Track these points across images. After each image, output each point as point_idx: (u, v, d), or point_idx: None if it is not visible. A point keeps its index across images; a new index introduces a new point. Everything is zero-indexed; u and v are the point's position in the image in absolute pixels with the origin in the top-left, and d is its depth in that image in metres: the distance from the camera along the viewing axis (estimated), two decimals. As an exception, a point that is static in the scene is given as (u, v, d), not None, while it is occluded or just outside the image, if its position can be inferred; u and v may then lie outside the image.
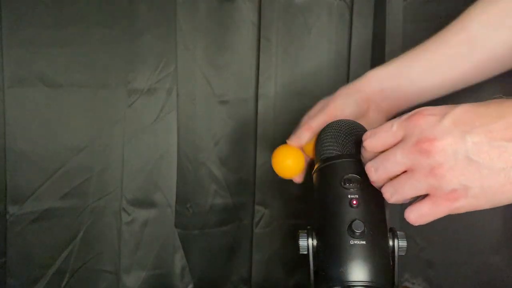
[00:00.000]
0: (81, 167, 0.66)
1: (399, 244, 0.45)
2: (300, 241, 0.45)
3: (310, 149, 0.53)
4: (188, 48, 0.68)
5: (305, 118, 0.55)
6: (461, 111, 0.36)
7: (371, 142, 0.41)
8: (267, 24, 0.70)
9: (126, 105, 0.66)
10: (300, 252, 0.46)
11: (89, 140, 0.66)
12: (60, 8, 0.62)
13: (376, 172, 0.41)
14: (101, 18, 0.64)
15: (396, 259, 0.44)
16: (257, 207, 0.74)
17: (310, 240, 0.45)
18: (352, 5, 0.72)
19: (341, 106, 0.52)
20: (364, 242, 0.42)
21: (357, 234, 0.42)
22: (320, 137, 0.51)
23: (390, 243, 0.45)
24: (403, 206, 0.79)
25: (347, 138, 0.48)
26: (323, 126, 0.51)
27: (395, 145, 0.39)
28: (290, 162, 0.55)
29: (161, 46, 0.66)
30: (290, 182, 0.76)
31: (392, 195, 0.41)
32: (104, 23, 0.64)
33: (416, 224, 0.41)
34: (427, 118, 0.37)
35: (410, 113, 0.39)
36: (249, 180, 0.74)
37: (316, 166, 0.50)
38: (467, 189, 0.36)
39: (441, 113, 0.37)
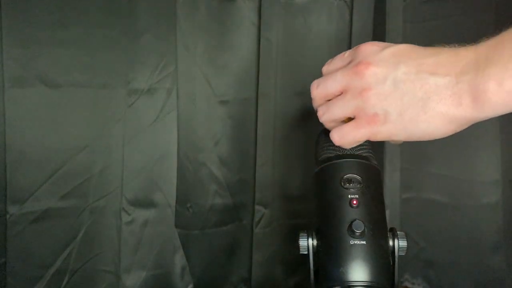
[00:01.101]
0: (81, 167, 0.66)
1: (399, 244, 0.45)
2: (300, 241, 0.45)
3: None
4: (188, 48, 0.68)
5: None
6: (403, 47, 0.39)
7: (327, 67, 0.45)
8: (267, 24, 0.70)
9: (126, 105, 0.66)
10: (300, 252, 0.46)
11: (89, 140, 0.66)
12: (60, 8, 0.62)
13: (316, 88, 0.44)
14: (101, 18, 0.64)
15: (396, 259, 0.44)
16: (257, 207, 0.74)
17: (310, 240, 0.45)
18: (352, 5, 0.72)
19: None
20: (364, 242, 0.42)
21: (357, 234, 0.42)
22: (320, 138, 0.51)
23: (390, 243, 0.45)
24: (403, 206, 0.79)
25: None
26: None
27: None
28: None
29: (161, 46, 0.67)
30: (290, 182, 0.77)
31: (324, 113, 0.44)
32: (104, 23, 0.64)
33: (338, 144, 0.43)
34: (372, 47, 0.40)
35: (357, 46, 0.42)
36: (249, 180, 0.74)
37: (316, 167, 0.50)
38: (387, 114, 0.38)
39: (386, 46, 0.40)
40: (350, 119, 0.42)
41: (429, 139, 0.39)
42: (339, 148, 0.48)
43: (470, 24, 0.70)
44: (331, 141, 0.50)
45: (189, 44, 0.68)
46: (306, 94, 0.74)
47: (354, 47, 0.42)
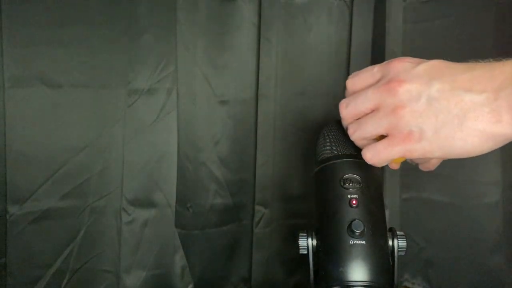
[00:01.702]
0: (81, 167, 0.66)
1: (398, 244, 0.45)
2: (300, 241, 0.45)
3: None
4: (188, 48, 0.68)
5: None
6: (436, 63, 0.39)
7: (352, 81, 0.43)
8: (267, 24, 0.70)
9: (126, 105, 0.67)
10: (300, 252, 0.46)
11: (89, 140, 0.66)
12: (60, 8, 0.62)
13: (346, 108, 0.43)
14: (101, 18, 0.64)
15: (395, 259, 0.45)
16: (257, 207, 0.74)
17: (310, 240, 0.45)
18: (352, 5, 0.72)
19: None
20: (363, 242, 0.42)
21: (357, 234, 0.42)
22: (320, 138, 0.52)
23: (390, 243, 0.45)
24: (403, 206, 0.79)
25: (346, 138, 0.48)
26: None
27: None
28: None
29: (161, 46, 0.66)
30: (290, 182, 0.77)
31: (355, 130, 0.43)
32: (104, 23, 0.64)
33: (371, 162, 0.42)
34: (404, 63, 0.40)
35: (388, 61, 0.41)
36: (249, 180, 0.74)
37: (315, 167, 0.50)
38: (422, 132, 0.38)
39: (418, 62, 0.39)
40: (382, 136, 0.41)
41: (467, 157, 0.38)
42: (338, 148, 0.48)
43: (470, 24, 0.70)
44: (330, 141, 0.50)
45: (189, 44, 0.68)
46: (306, 94, 0.75)
47: (385, 62, 0.41)
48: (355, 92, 0.43)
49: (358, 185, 0.44)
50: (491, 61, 0.37)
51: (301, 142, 0.75)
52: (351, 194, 0.44)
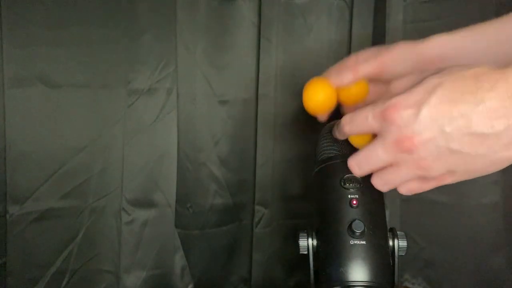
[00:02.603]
0: (81, 167, 0.66)
1: (399, 244, 0.45)
2: (300, 241, 0.45)
3: (347, 97, 0.51)
4: (188, 48, 0.68)
5: (352, 59, 0.51)
6: (437, 100, 0.36)
7: (349, 129, 0.43)
8: (267, 24, 0.70)
9: (126, 105, 0.66)
10: (300, 252, 0.46)
11: (89, 140, 0.66)
12: (60, 8, 0.62)
13: (360, 169, 0.43)
14: (101, 18, 0.64)
15: (396, 259, 0.45)
16: (257, 207, 0.74)
17: (310, 240, 0.45)
18: (352, 5, 0.72)
19: (397, 59, 0.49)
20: (364, 242, 0.43)
21: (357, 234, 0.42)
22: (320, 138, 0.52)
23: (390, 243, 0.45)
24: (403, 206, 0.79)
25: (346, 138, 0.48)
26: (369, 74, 0.49)
27: (373, 134, 0.41)
28: (321, 98, 0.53)
29: (161, 46, 0.66)
30: (290, 182, 0.77)
31: (383, 186, 0.43)
32: (104, 23, 0.64)
33: (406, 194, 0.43)
34: (402, 113, 0.37)
35: (383, 106, 0.38)
36: (249, 180, 0.74)
37: (316, 167, 0.50)
38: (454, 172, 0.38)
39: (416, 105, 0.36)
40: None
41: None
42: (339, 148, 0.48)
43: (470, 24, 0.70)
44: (331, 141, 0.50)
45: (189, 44, 0.68)
46: (306, 94, 0.74)
47: (377, 111, 0.39)
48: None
49: (358, 185, 0.44)
50: (486, 68, 0.36)
51: (301, 142, 0.75)
52: (351, 194, 0.44)
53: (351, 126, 0.42)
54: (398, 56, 0.49)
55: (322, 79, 0.53)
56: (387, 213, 0.73)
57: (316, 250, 0.45)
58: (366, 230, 0.42)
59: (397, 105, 0.37)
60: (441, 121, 0.35)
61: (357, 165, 0.42)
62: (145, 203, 0.69)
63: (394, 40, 0.70)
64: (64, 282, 0.67)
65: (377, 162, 0.41)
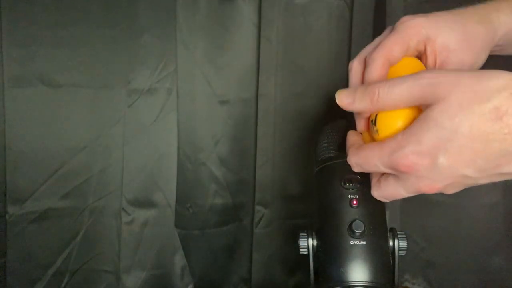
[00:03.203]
0: (81, 167, 0.66)
1: (399, 244, 0.45)
2: (300, 241, 0.45)
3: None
4: (188, 48, 0.68)
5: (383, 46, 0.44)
6: (454, 149, 0.32)
7: (359, 171, 0.39)
8: (267, 24, 0.70)
9: (126, 105, 0.66)
10: (300, 252, 0.46)
11: (89, 140, 0.66)
12: (60, 8, 0.62)
13: (361, 169, 0.39)
14: (101, 18, 0.64)
15: (396, 259, 0.44)
16: (257, 207, 0.74)
17: (310, 240, 0.45)
18: (352, 5, 0.72)
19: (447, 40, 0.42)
20: (364, 242, 0.42)
21: (357, 234, 0.42)
22: (320, 137, 0.52)
23: (390, 243, 0.45)
24: (404, 206, 0.79)
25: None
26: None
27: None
28: None
29: (161, 46, 0.66)
30: (290, 182, 0.77)
31: (384, 200, 0.41)
32: (104, 23, 0.64)
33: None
34: (417, 166, 0.33)
35: (392, 157, 0.34)
36: (249, 180, 0.74)
37: (316, 167, 0.50)
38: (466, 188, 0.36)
39: (430, 154, 0.32)
40: None
41: None
42: (339, 147, 0.48)
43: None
44: (331, 141, 0.50)
45: (189, 44, 0.68)
46: (306, 94, 0.74)
47: (387, 161, 0.35)
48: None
49: (358, 185, 0.44)
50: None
51: (301, 142, 0.75)
52: (351, 194, 0.44)
53: (362, 170, 0.39)
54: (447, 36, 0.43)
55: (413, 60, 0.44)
56: (387, 213, 0.73)
57: (316, 250, 0.45)
58: (366, 230, 0.42)
59: (409, 157, 0.33)
60: (461, 166, 0.33)
61: (359, 166, 0.39)
62: (145, 203, 0.69)
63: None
64: (64, 282, 0.67)
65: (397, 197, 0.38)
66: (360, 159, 0.38)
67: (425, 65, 0.43)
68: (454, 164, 0.33)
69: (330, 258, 0.43)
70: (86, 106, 0.65)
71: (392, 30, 0.45)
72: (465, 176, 0.33)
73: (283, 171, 0.75)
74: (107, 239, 0.69)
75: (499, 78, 0.32)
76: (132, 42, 0.65)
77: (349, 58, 0.73)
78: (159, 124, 0.68)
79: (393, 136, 0.35)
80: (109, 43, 0.64)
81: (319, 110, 0.75)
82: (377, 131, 0.38)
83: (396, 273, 0.44)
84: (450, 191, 0.36)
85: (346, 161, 0.45)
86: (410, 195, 0.37)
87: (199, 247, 0.74)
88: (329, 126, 0.53)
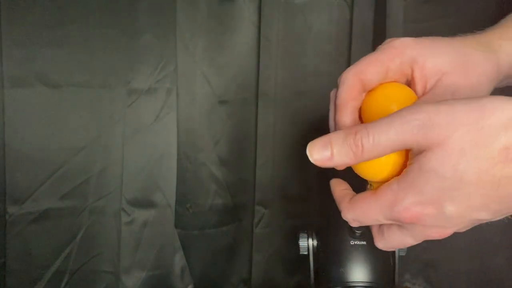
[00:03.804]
0: (81, 167, 0.66)
1: (399, 244, 0.44)
2: (300, 242, 0.45)
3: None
4: (188, 48, 0.68)
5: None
6: (463, 197, 0.29)
7: (357, 225, 0.34)
8: (267, 23, 0.70)
9: (126, 105, 0.66)
10: (301, 253, 0.46)
11: (88, 140, 0.66)
12: (60, 8, 0.62)
13: (360, 224, 0.34)
14: (101, 18, 0.64)
15: (396, 259, 0.44)
16: (257, 208, 0.74)
17: (310, 241, 0.45)
18: (352, 5, 0.72)
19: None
20: (364, 243, 0.42)
21: (358, 234, 0.42)
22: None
23: (391, 243, 0.45)
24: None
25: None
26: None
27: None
28: None
29: (161, 46, 0.66)
30: (290, 182, 0.76)
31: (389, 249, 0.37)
32: (104, 23, 0.64)
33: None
34: (422, 217, 0.30)
35: (393, 211, 0.30)
36: (249, 180, 0.74)
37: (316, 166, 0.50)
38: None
39: (434, 202, 0.29)
40: None
41: None
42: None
43: (471, 24, 0.70)
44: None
45: (189, 44, 0.68)
46: (306, 94, 0.74)
47: (389, 215, 0.30)
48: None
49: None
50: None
51: (301, 142, 0.75)
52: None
53: (361, 224, 0.34)
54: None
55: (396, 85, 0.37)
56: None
57: (317, 250, 0.44)
58: (366, 230, 0.42)
59: (411, 209, 0.30)
60: (476, 214, 0.30)
61: (357, 221, 0.34)
62: (145, 203, 0.69)
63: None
64: (64, 283, 0.67)
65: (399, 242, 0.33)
66: (358, 215, 0.33)
67: (414, 91, 0.36)
68: (464, 211, 0.30)
69: (331, 258, 0.43)
70: (86, 106, 0.65)
71: (375, 51, 0.38)
72: (478, 220, 0.31)
73: (283, 171, 0.75)
74: (107, 239, 0.68)
75: (503, 110, 0.27)
76: (132, 42, 0.65)
77: (349, 58, 0.73)
78: (158, 124, 0.68)
79: (388, 186, 0.31)
80: (109, 43, 0.64)
81: (319, 110, 0.75)
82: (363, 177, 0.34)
83: (396, 273, 0.44)
84: (463, 230, 0.33)
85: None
86: (419, 242, 0.33)
87: (199, 247, 0.74)
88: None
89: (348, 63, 0.73)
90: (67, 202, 0.66)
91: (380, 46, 0.38)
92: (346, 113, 0.36)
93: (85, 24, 0.63)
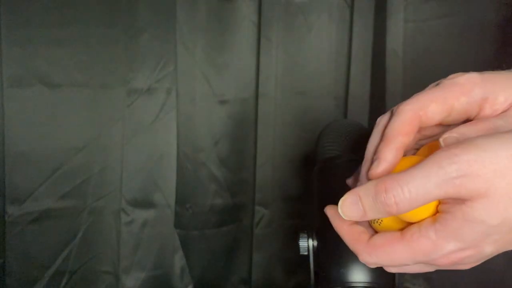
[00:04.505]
0: (81, 167, 0.66)
1: (400, 244, 0.44)
2: (300, 242, 0.45)
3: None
4: (187, 48, 0.68)
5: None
6: (506, 235, 0.28)
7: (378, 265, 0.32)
8: (267, 23, 0.70)
9: (126, 105, 0.66)
10: (301, 253, 0.45)
11: (88, 140, 0.65)
12: (59, 8, 0.62)
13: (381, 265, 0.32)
14: (101, 18, 0.64)
15: (397, 259, 0.44)
16: (257, 208, 0.74)
17: (310, 241, 0.45)
18: (353, 4, 0.72)
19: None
20: (364, 243, 0.42)
21: (358, 234, 0.42)
22: (320, 137, 0.51)
23: (391, 243, 0.44)
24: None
25: (347, 138, 0.48)
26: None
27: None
28: None
29: (160, 46, 0.66)
30: (290, 182, 0.76)
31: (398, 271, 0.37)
32: (104, 23, 0.64)
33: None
34: (460, 260, 0.29)
35: (432, 256, 0.29)
36: (249, 180, 0.74)
37: (316, 166, 0.50)
38: None
39: (476, 246, 0.28)
40: None
41: None
42: (340, 148, 0.48)
43: (471, 24, 0.70)
44: (332, 141, 0.49)
45: (189, 43, 0.68)
46: (306, 94, 0.74)
47: (422, 258, 0.29)
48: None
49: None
50: None
51: (301, 142, 0.75)
52: (352, 194, 0.44)
53: (383, 266, 0.32)
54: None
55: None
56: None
57: (317, 250, 0.44)
58: (366, 230, 0.42)
59: (450, 257, 0.29)
60: (508, 247, 0.29)
61: (378, 265, 0.32)
62: (145, 203, 0.69)
63: (394, 40, 0.70)
64: (63, 283, 0.67)
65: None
66: (383, 260, 0.31)
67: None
68: (501, 249, 0.29)
69: (331, 258, 0.43)
70: (85, 106, 0.65)
71: (436, 85, 0.34)
72: (480, 249, 0.29)
73: (283, 171, 0.74)
74: (107, 239, 0.68)
75: None
76: (132, 42, 0.65)
77: (350, 57, 0.73)
78: (158, 124, 0.68)
79: (421, 233, 0.29)
80: (108, 42, 0.64)
81: (319, 110, 0.74)
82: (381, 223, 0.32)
83: (397, 274, 0.44)
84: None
85: (347, 161, 0.45)
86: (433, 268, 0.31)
87: (198, 247, 0.74)
88: (330, 125, 0.52)
89: (348, 63, 0.73)
90: (66, 202, 0.66)
91: (442, 80, 0.34)
92: (391, 148, 0.32)
93: (85, 24, 0.63)
